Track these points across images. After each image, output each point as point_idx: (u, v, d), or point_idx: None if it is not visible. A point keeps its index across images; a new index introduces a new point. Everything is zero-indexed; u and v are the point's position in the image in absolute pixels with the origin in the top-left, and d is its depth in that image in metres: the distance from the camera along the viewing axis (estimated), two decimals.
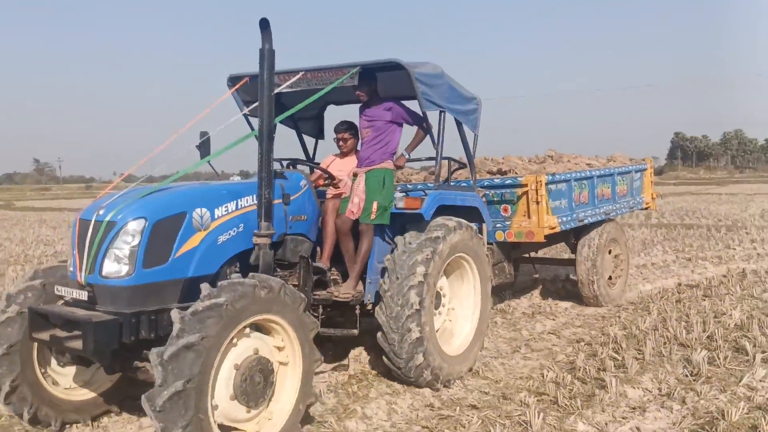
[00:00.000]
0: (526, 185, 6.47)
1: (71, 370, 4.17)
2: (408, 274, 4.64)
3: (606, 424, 4.09)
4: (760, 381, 4.69)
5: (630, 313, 7.22)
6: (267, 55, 3.95)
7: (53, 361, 4.11)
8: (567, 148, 8.57)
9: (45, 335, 3.62)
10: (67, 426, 4.18)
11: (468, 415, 4.32)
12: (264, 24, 3.95)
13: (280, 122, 5.36)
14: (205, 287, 3.34)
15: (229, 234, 4.04)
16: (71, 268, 3.76)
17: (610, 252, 7.74)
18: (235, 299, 3.29)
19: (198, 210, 3.87)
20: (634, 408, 4.35)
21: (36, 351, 3.96)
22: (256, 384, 3.47)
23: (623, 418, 4.21)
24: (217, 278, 4.00)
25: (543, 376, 5.05)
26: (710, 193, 34.40)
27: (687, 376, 4.95)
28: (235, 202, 4.13)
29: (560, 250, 10.05)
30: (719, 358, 5.20)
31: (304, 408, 3.81)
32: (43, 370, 4.05)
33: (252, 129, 5.50)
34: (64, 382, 4.18)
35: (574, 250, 7.67)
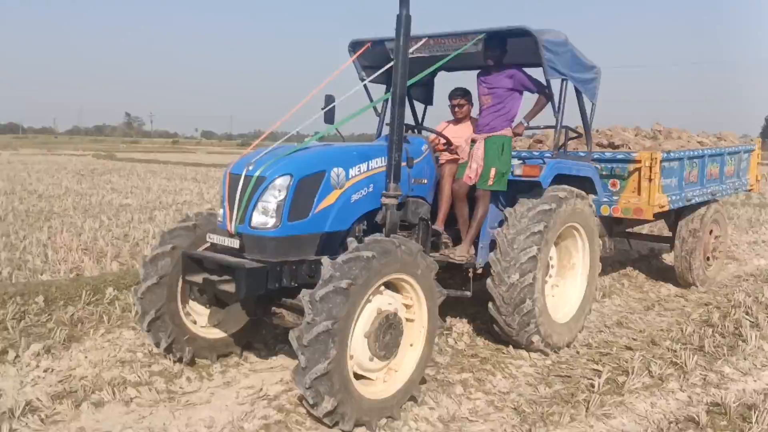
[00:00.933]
0: (639, 161, 6.37)
1: (207, 310, 4.53)
2: (520, 249, 4.72)
3: (749, 369, 4.78)
4: None
5: (751, 284, 7.56)
6: (404, 21, 4.07)
7: (191, 301, 4.47)
8: (665, 122, 8.34)
9: (198, 278, 3.96)
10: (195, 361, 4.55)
11: (625, 355, 5.03)
12: None
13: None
14: (351, 241, 3.59)
15: (361, 193, 4.25)
16: (221, 219, 4.07)
17: (710, 233, 7.57)
18: (380, 254, 3.51)
19: (335, 169, 4.09)
20: None
21: (181, 288, 4.32)
22: (388, 337, 3.69)
23: (763, 366, 4.87)
24: (348, 235, 4.24)
25: (682, 330, 5.69)
26: None
27: None
28: (366, 163, 4.33)
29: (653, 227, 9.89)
30: None
31: (424, 368, 4.02)
32: (183, 307, 4.41)
33: (369, 96, 5.69)
34: (200, 320, 4.56)
35: (673, 229, 7.54)
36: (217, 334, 4.63)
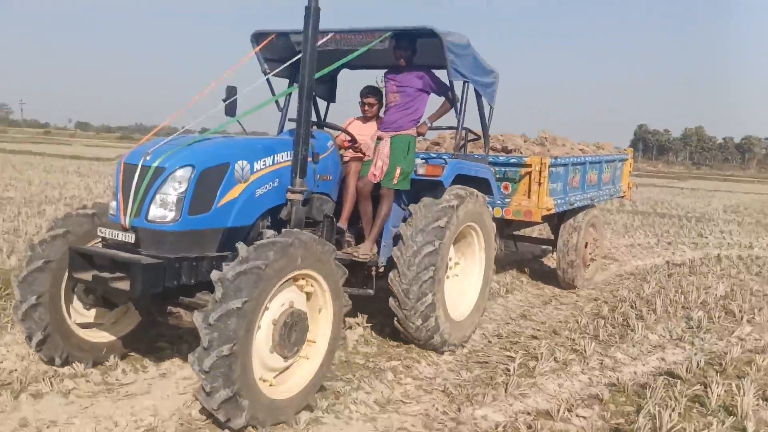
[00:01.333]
0: (530, 166, 6.68)
1: (92, 311, 4.22)
2: (423, 243, 4.79)
3: (638, 354, 5.37)
4: (748, 334, 6.02)
5: (632, 282, 8.30)
6: (313, 13, 4.01)
7: (78, 305, 4.14)
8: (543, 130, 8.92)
9: (87, 275, 3.66)
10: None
11: (533, 343, 5.51)
12: None
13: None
14: (242, 248, 3.37)
15: (266, 188, 4.13)
16: (113, 212, 3.79)
17: (588, 236, 8.03)
18: (273, 260, 3.36)
19: (240, 162, 3.94)
20: (655, 346, 5.61)
21: (63, 298, 4.00)
22: (292, 335, 3.59)
23: (649, 352, 5.47)
24: (252, 230, 4.11)
25: (578, 322, 6.28)
26: (673, 186, 35.57)
27: (691, 328, 6.17)
28: (272, 157, 4.21)
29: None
30: (714, 317, 6.46)
31: (335, 349, 3.97)
32: (66, 302, 4.07)
33: (272, 90, 5.54)
34: (81, 320, 4.22)
35: (555, 232, 7.96)
36: (99, 336, 4.32)
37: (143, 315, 4.11)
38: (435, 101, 5.28)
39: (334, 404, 3.98)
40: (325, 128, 5.38)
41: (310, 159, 4.53)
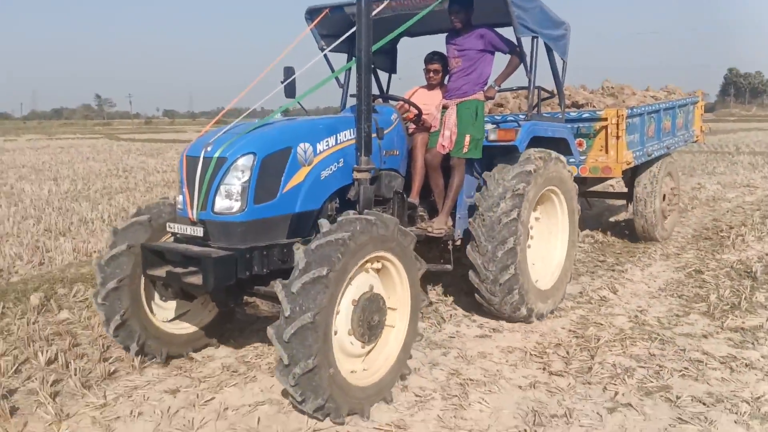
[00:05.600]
0: (605, 119, 6.27)
1: (173, 304, 4.25)
2: (501, 212, 4.54)
3: None
4: None
5: None
6: None
7: (156, 297, 4.17)
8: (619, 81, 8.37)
9: (161, 271, 3.65)
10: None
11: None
12: None
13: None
14: (324, 222, 3.30)
15: (331, 169, 3.99)
16: (180, 206, 3.76)
17: (666, 185, 7.57)
18: (356, 234, 3.24)
19: (302, 145, 3.81)
20: None
21: (143, 286, 4.01)
22: (371, 320, 3.46)
23: None
24: (321, 214, 3.98)
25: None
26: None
27: None
28: (334, 136, 4.06)
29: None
30: None
31: (411, 345, 3.81)
32: (149, 306, 4.11)
33: (331, 66, 5.39)
34: (168, 316, 4.27)
35: (629, 185, 7.54)
36: (188, 328, 4.35)
37: (220, 306, 4.09)
38: (502, 61, 4.96)
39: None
40: (386, 101, 5.17)
41: (374, 135, 4.35)
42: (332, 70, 5.29)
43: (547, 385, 3.80)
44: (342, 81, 5.65)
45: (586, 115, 6.41)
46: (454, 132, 4.73)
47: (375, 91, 5.87)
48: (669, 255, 7.04)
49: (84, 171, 17.28)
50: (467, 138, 4.70)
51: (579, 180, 6.86)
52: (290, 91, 4.59)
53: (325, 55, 5.29)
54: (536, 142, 4.98)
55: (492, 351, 4.38)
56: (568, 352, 4.28)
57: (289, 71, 4.60)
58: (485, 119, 4.95)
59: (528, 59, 4.85)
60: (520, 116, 5.34)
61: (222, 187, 3.55)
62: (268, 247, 3.65)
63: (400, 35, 5.83)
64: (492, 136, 4.77)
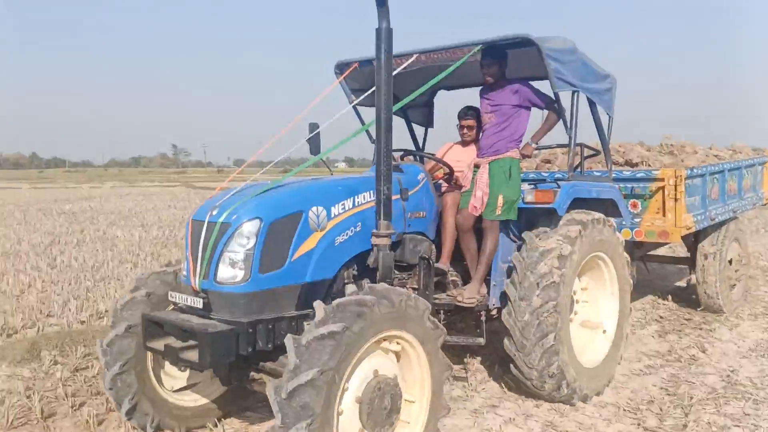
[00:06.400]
0: (662, 179, 5.78)
1: (186, 374, 3.99)
2: (542, 273, 4.12)
3: None
4: None
5: None
6: (384, 35, 3.54)
7: (167, 366, 3.92)
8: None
9: (160, 344, 3.38)
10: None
11: None
12: (381, 0, 3.55)
13: None
14: (318, 308, 2.94)
15: (347, 234, 3.68)
16: (184, 273, 3.52)
17: (732, 252, 6.93)
18: (353, 322, 2.88)
19: (314, 208, 3.53)
20: None
21: (151, 360, 3.79)
22: (383, 409, 3.08)
23: None
24: (335, 283, 3.67)
25: None
26: None
27: None
28: (351, 199, 3.77)
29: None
30: None
31: (436, 422, 3.40)
32: (158, 378, 3.88)
33: (361, 120, 5.17)
34: (173, 384, 4.00)
35: (692, 251, 6.94)
36: (199, 400, 4.05)
37: (224, 383, 3.79)
38: (539, 115, 4.61)
39: None
40: (416, 159, 4.89)
41: (397, 197, 4.06)
42: (363, 124, 5.06)
43: None
44: (375, 137, 5.41)
45: (640, 175, 5.95)
46: (486, 192, 4.38)
47: (403, 146, 5.64)
48: (757, 315, 6.79)
49: (168, 218, 17.87)
50: (500, 199, 4.34)
51: (634, 244, 6.37)
52: (315, 147, 4.39)
53: (356, 109, 5.09)
54: (583, 204, 4.58)
55: (584, 405, 4.38)
56: (661, 409, 4.29)
57: (313, 127, 4.41)
58: (523, 177, 4.59)
59: (568, 115, 4.49)
60: (561, 175, 4.94)
61: (225, 255, 3.28)
62: (275, 320, 3.34)
63: (435, 89, 5.62)
64: (528, 198, 4.40)
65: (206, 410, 4.08)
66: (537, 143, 4.55)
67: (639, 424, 4.06)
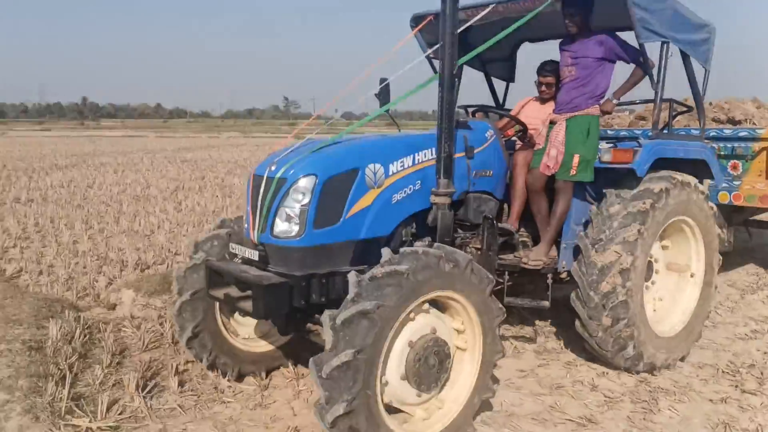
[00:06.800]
0: (766, 139, 5.24)
1: (251, 321, 4.13)
2: (619, 227, 3.88)
3: None
4: None
5: None
6: None
7: (235, 312, 4.09)
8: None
9: (220, 293, 3.54)
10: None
11: None
12: None
13: (467, 64, 4.81)
14: (386, 252, 2.98)
15: (405, 192, 3.63)
16: (246, 225, 3.63)
17: None
18: (418, 269, 2.88)
19: (371, 166, 3.49)
20: None
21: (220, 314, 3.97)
22: (430, 366, 3.07)
23: None
24: (392, 240, 3.66)
25: None
26: None
27: None
28: (411, 156, 3.69)
29: None
30: None
31: (479, 402, 3.35)
32: (224, 320, 4.05)
33: (435, 73, 5.02)
34: (243, 332, 4.18)
35: None
36: (263, 347, 4.22)
37: (281, 333, 3.91)
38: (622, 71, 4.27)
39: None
40: (486, 116, 4.70)
41: (462, 154, 3.96)
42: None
43: (738, 401, 3.82)
44: None
45: (743, 134, 5.43)
46: (561, 151, 4.16)
47: (482, 101, 5.42)
48: None
49: None
50: (576, 158, 4.11)
51: (733, 208, 5.88)
52: (385, 101, 4.33)
53: (430, 62, 4.94)
54: (670, 164, 4.26)
55: (681, 365, 4.40)
56: (762, 373, 4.24)
57: (383, 81, 4.33)
58: (604, 134, 4.31)
59: (656, 69, 4.13)
60: (644, 133, 4.60)
61: (281, 210, 3.34)
62: (329, 274, 3.38)
63: (518, 41, 5.35)
64: (605, 157, 4.13)
65: (266, 357, 4.22)
66: (618, 99, 4.23)
67: (737, 386, 4.03)
